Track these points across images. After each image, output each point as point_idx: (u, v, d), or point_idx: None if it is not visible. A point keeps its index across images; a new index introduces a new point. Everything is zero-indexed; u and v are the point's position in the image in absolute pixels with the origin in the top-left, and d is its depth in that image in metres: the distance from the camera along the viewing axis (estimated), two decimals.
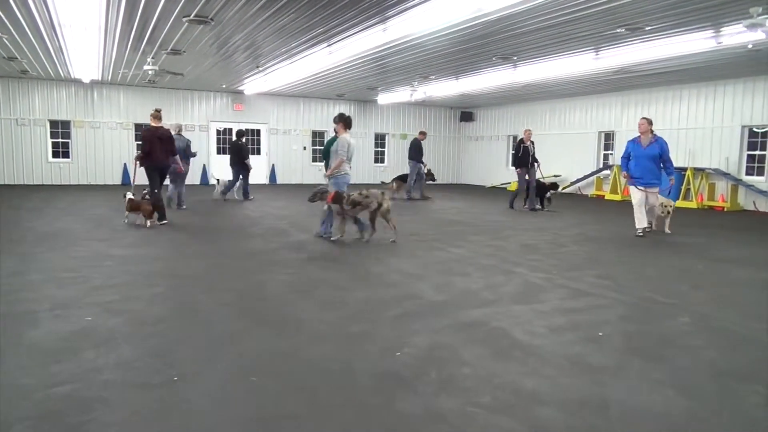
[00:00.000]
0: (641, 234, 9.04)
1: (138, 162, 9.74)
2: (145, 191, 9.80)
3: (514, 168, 13.50)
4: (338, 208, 8.08)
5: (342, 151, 8.15)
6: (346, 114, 8.47)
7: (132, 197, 9.42)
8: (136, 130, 19.42)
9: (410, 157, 16.06)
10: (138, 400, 2.99)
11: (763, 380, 3.41)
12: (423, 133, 16.46)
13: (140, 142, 9.66)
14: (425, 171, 16.43)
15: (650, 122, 9.25)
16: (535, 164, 13.12)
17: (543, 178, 14.16)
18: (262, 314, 4.68)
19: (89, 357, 3.55)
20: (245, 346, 3.86)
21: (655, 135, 9.17)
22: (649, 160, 9.03)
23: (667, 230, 9.51)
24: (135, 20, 9.67)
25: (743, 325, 4.55)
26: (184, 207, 12.18)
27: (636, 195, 9.17)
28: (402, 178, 16.50)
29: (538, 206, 13.22)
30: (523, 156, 13.00)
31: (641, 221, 9.09)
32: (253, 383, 3.23)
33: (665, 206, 9.46)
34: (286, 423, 2.79)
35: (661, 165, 9.09)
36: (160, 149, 9.48)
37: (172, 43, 11.58)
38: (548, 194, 13.54)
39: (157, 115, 9.67)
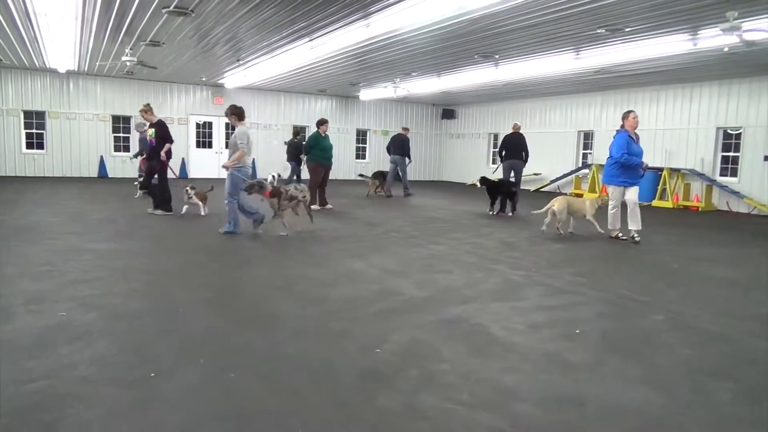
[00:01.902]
0: (627, 237, 8.53)
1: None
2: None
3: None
4: (276, 203, 8.06)
5: (243, 144, 8.00)
6: (239, 105, 8.38)
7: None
8: (113, 122, 19.13)
9: (396, 152, 15.77)
10: (114, 396, 2.94)
11: (733, 376, 3.49)
12: (406, 129, 16.37)
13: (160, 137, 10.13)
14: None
15: None
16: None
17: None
18: (241, 310, 4.65)
19: (64, 353, 3.49)
20: (223, 342, 3.83)
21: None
22: (639, 159, 8.49)
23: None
24: (113, 10, 9.50)
25: (716, 322, 4.65)
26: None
27: (618, 195, 8.61)
28: (382, 175, 16.09)
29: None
30: None
31: (617, 223, 8.68)
32: (232, 380, 3.20)
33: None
34: (265, 419, 2.77)
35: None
36: None
37: (151, 35, 11.40)
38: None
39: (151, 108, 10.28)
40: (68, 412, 2.75)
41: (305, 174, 13.32)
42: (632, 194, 8.53)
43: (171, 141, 10.19)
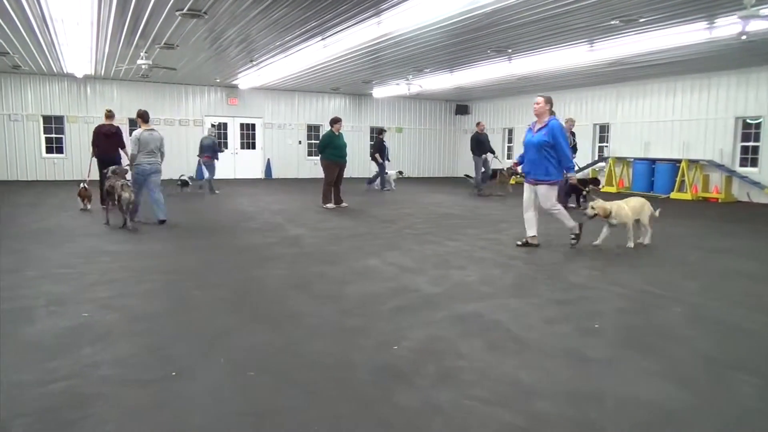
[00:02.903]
0: (520, 244, 7.51)
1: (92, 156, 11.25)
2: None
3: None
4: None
5: (132, 147, 9.16)
6: (143, 110, 9.56)
7: (86, 187, 10.88)
8: (130, 125, 19.34)
9: (472, 152, 15.48)
10: (135, 395, 2.99)
11: (755, 369, 3.44)
12: (480, 126, 15.67)
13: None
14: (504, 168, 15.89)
15: (549, 101, 7.29)
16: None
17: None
18: (258, 309, 4.69)
19: (86, 353, 3.55)
20: (242, 341, 3.87)
21: (551, 119, 7.25)
22: (534, 150, 7.23)
23: (645, 241, 7.62)
24: (127, 14, 9.60)
25: (736, 315, 4.59)
26: (217, 192, 14.85)
27: (524, 193, 7.53)
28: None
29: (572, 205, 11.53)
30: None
31: (529, 227, 7.50)
32: (250, 378, 3.24)
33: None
34: (284, 417, 2.80)
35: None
36: (105, 143, 10.91)
37: (166, 38, 11.51)
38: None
39: (108, 114, 11.29)
40: (91, 411, 2.80)
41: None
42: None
43: (94, 145, 11.10)
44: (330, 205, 11.86)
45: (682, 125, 15.78)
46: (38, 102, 18.20)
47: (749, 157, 14.55)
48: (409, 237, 8.27)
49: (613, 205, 7.37)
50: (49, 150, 18.62)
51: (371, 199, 13.84)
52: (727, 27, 9.13)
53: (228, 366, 3.41)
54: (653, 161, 16.07)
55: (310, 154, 21.75)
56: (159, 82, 19.07)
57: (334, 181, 11.93)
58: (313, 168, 20.11)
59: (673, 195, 15.11)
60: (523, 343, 3.85)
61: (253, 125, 21.36)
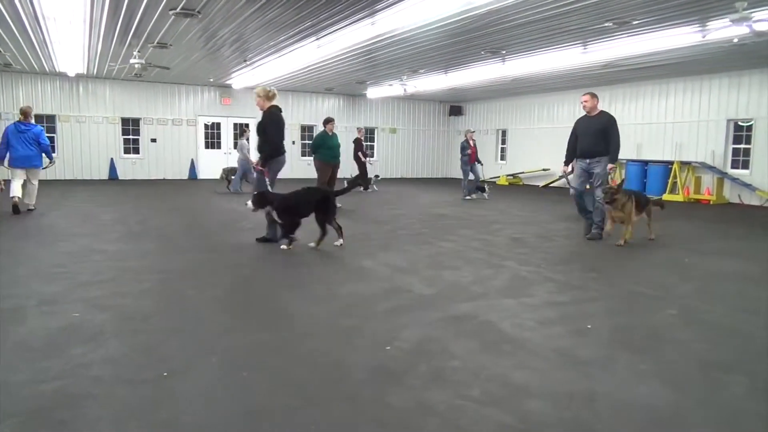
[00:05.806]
0: None
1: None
2: None
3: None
4: None
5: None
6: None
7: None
8: (122, 125, 19.27)
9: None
10: (127, 395, 2.97)
11: (747, 371, 3.46)
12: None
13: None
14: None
15: None
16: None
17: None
18: (252, 309, 4.67)
19: (77, 353, 3.52)
20: (235, 340, 3.85)
21: None
22: None
23: None
24: (120, 13, 9.57)
25: (729, 316, 4.61)
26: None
27: None
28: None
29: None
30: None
31: None
32: (244, 378, 3.22)
33: None
34: (277, 417, 2.79)
35: None
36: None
37: (159, 37, 11.47)
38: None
39: (359, 129, 15.92)
40: (82, 411, 2.77)
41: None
42: None
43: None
44: None
45: (675, 127, 15.89)
46: (30, 101, 17.99)
47: (741, 159, 14.68)
48: (402, 237, 8.27)
49: None
50: None
51: (365, 200, 13.83)
52: (719, 30, 9.20)
53: (221, 366, 3.39)
54: (646, 163, 16.16)
55: (303, 154, 21.71)
56: (152, 82, 19.00)
57: (327, 182, 11.90)
58: (307, 168, 20.06)
59: (666, 197, 15.19)
60: (516, 344, 3.85)
61: (247, 125, 21.25)
